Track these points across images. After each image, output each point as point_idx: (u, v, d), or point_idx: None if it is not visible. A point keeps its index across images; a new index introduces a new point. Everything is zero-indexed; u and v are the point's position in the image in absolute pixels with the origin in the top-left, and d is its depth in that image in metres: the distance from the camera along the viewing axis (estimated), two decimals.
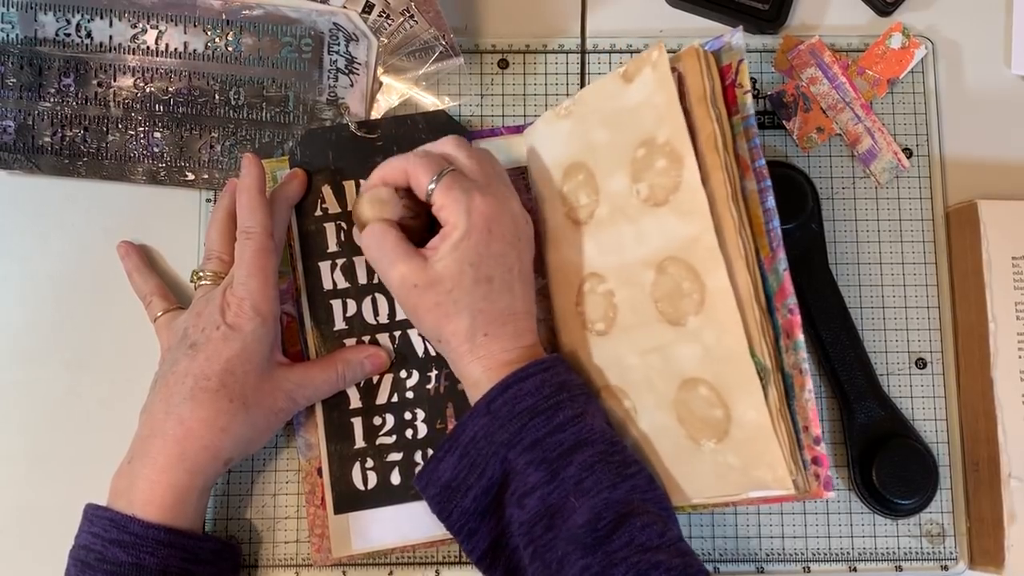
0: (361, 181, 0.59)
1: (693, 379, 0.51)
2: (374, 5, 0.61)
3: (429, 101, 0.63)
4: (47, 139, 0.61)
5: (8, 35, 0.61)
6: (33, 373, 0.60)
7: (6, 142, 0.61)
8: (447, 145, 0.55)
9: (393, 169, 0.55)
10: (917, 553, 0.58)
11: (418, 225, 0.55)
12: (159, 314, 0.58)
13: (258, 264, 0.54)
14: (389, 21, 0.61)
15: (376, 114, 0.62)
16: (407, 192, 0.55)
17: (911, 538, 0.58)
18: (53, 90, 0.61)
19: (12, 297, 0.61)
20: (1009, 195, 0.62)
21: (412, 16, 0.61)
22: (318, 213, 0.59)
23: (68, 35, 0.61)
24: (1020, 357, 0.57)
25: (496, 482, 0.50)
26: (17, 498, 0.59)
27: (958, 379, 0.60)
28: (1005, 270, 0.58)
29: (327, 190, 0.59)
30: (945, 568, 0.57)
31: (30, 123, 0.61)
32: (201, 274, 0.57)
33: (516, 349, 0.52)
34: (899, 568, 0.58)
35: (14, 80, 0.61)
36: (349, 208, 0.59)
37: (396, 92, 0.62)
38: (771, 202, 0.51)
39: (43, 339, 0.61)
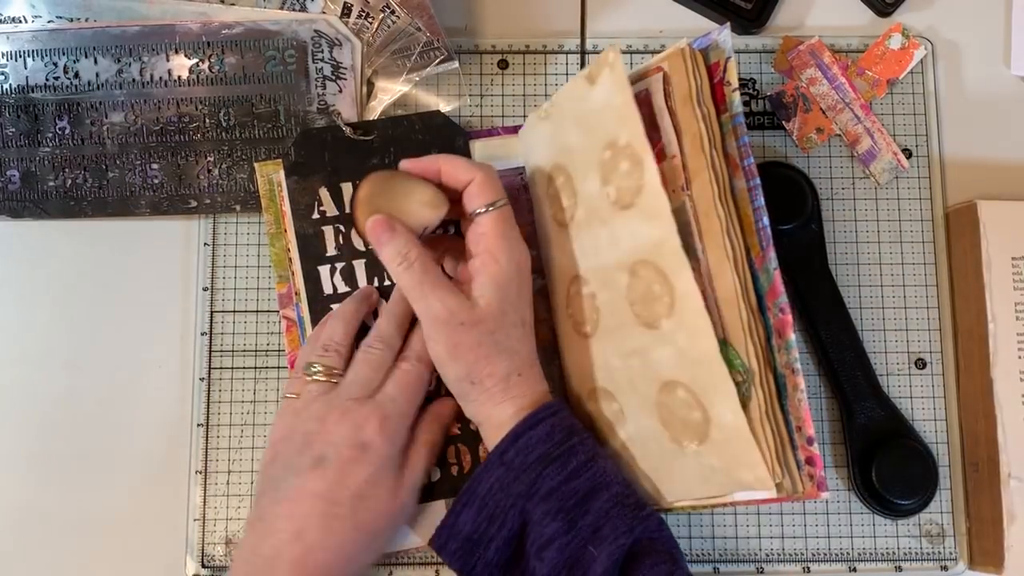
0: (358, 183, 0.58)
1: (671, 382, 0.49)
2: (352, 6, 0.60)
3: (429, 102, 0.62)
4: (51, 184, 0.61)
5: (2, 86, 0.61)
6: (33, 373, 0.60)
7: (13, 192, 0.61)
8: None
9: (454, 167, 0.53)
10: (917, 553, 0.58)
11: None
12: (296, 395, 0.54)
13: (419, 394, 0.53)
14: (370, 20, 0.60)
15: (374, 117, 0.61)
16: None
17: (911, 538, 0.58)
18: (50, 135, 0.61)
19: (12, 297, 0.61)
20: (1009, 195, 0.61)
21: (393, 12, 0.60)
22: (315, 216, 0.59)
23: (57, 78, 0.60)
24: (1020, 357, 0.57)
25: (516, 533, 0.50)
26: (17, 498, 0.59)
27: (958, 379, 0.60)
28: (1005, 270, 0.58)
29: (324, 193, 0.59)
30: (945, 568, 0.58)
31: (34, 170, 0.61)
32: (317, 368, 0.53)
33: (540, 392, 0.53)
34: (899, 568, 0.58)
35: (13, 130, 0.61)
36: (347, 211, 0.59)
37: (392, 93, 0.62)
38: (761, 200, 0.50)
39: (43, 340, 0.61)
